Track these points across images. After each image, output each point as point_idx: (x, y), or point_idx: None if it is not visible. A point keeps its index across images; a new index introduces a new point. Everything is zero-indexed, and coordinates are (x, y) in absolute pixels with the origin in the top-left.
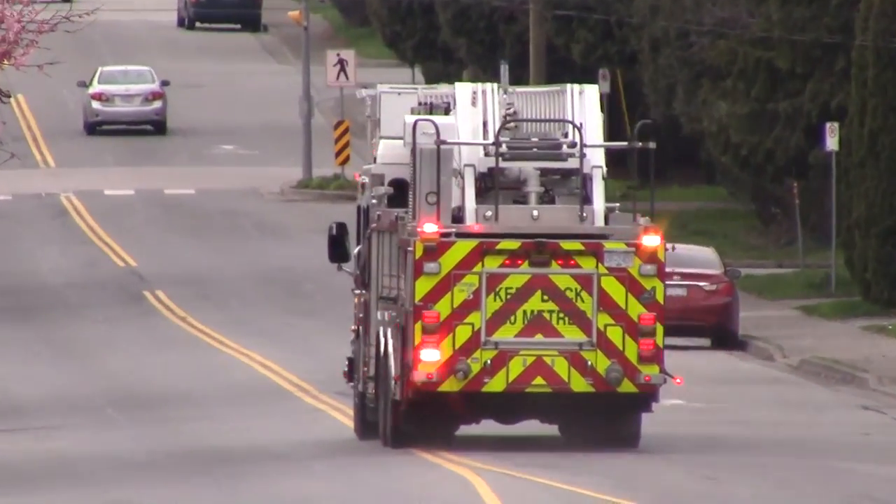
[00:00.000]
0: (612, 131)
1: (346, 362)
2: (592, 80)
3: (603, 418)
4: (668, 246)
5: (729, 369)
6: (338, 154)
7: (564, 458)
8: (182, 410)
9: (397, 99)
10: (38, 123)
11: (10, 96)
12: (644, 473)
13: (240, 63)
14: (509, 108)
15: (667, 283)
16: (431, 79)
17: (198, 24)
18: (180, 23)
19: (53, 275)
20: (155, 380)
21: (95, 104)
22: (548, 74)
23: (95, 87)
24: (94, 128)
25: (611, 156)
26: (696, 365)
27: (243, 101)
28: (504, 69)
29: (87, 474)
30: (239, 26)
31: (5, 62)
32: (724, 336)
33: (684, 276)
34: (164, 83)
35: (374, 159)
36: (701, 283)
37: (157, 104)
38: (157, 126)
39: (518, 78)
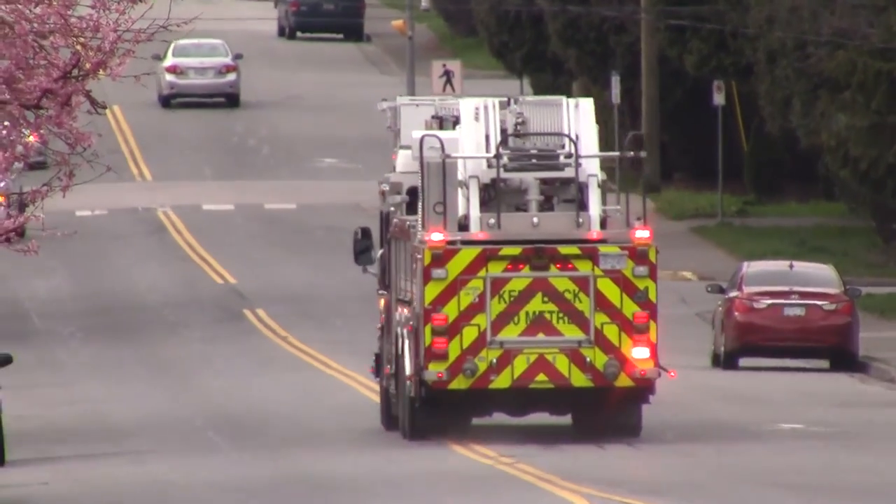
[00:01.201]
0: (727, 144)
1: (374, 358)
2: (707, 92)
3: (604, 411)
4: (787, 264)
5: (849, 392)
6: None
7: (663, 476)
8: (284, 434)
9: (415, 110)
10: (134, 136)
11: (105, 107)
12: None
13: (341, 74)
14: (519, 118)
15: (784, 302)
16: (540, 91)
17: (298, 34)
18: (280, 32)
19: (151, 293)
20: (255, 402)
21: (170, 77)
22: (660, 86)
23: (170, 61)
24: (169, 101)
25: (728, 172)
26: (815, 387)
27: (345, 113)
28: (615, 81)
29: (186, 501)
30: (341, 36)
31: (101, 72)
32: (844, 358)
33: (802, 295)
34: (238, 56)
35: (394, 168)
36: (819, 303)
37: (231, 77)
38: (230, 99)
39: (629, 89)
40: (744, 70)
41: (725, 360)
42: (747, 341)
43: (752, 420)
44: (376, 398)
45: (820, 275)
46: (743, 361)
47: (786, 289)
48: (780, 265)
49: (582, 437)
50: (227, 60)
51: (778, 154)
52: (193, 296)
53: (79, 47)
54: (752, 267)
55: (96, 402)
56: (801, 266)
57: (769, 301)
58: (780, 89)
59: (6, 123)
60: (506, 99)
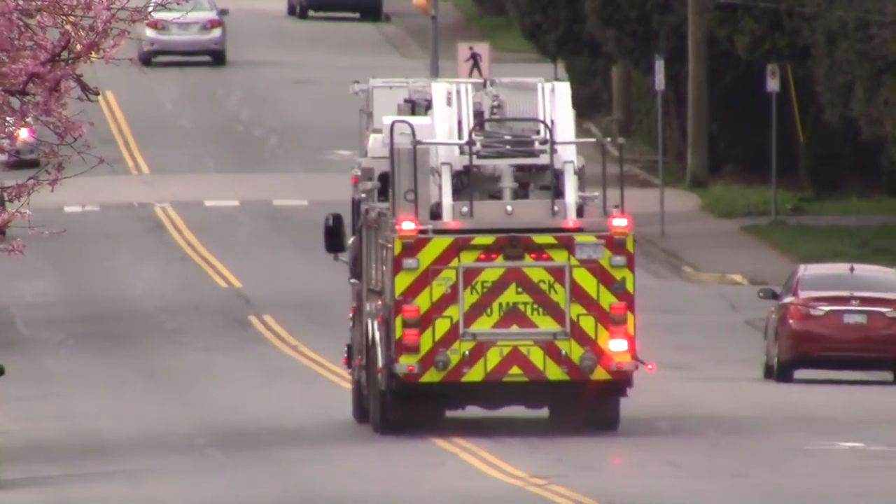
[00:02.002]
0: (781, 134)
1: (346, 349)
2: (760, 78)
3: (581, 404)
4: (847, 267)
5: None
6: None
7: None
8: (293, 451)
9: (389, 93)
10: (129, 125)
11: (98, 93)
12: None
13: (358, 57)
14: (495, 101)
15: (844, 309)
16: (576, 75)
17: (311, 13)
18: (291, 11)
19: (147, 297)
20: (262, 416)
21: (150, 33)
22: (709, 71)
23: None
24: (149, 58)
25: (782, 165)
26: (877, 402)
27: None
28: (659, 65)
29: None
30: (357, 15)
31: (93, 55)
32: None
33: (864, 301)
34: (223, 12)
35: (366, 153)
36: (883, 310)
37: (216, 33)
38: (215, 56)
39: (674, 75)
40: (800, 53)
41: (779, 372)
42: (803, 351)
43: (807, 438)
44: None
45: (883, 279)
46: (798, 373)
47: (846, 294)
48: (840, 268)
49: (615, 454)
50: (212, 15)
51: (837, 145)
52: (194, 300)
53: (69, 27)
54: (808, 270)
55: (88, 416)
56: (863, 269)
57: (827, 308)
58: (841, 74)
59: None
60: (482, 81)
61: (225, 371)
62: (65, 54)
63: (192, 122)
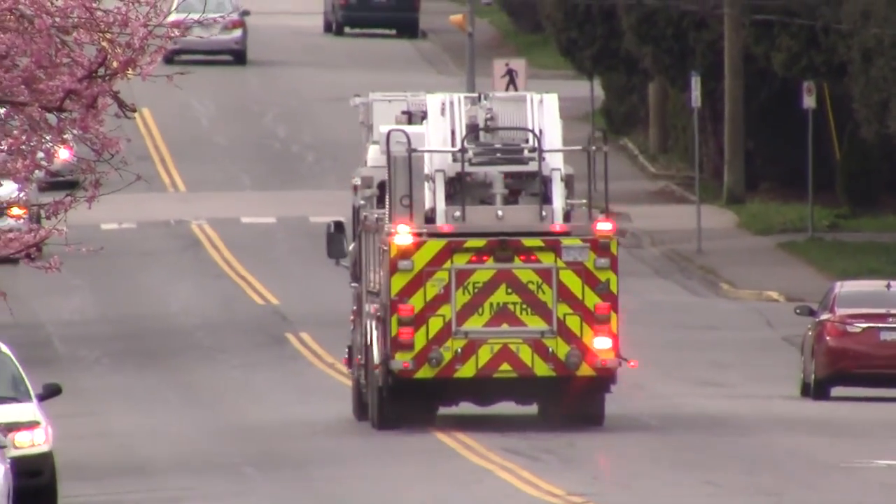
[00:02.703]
0: (818, 151)
1: (347, 350)
2: (796, 94)
3: (567, 399)
4: (884, 283)
5: None
6: None
7: None
8: (329, 470)
9: (388, 106)
10: (165, 141)
11: (135, 110)
12: None
13: (394, 73)
14: (488, 114)
15: (881, 326)
16: (612, 92)
17: (347, 30)
18: (327, 28)
19: (184, 314)
20: (299, 434)
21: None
22: (745, 88)
23: (173, 15)
24: (172, 57)
25: (819, 182)
26: None
27: None
28: (695, 82)
29: None
30: (394, 32)
31: (129, 72)
32: None
33: None
34: (245, 13)
35: (365, 163)
36: None
37: (237, 33)
38: (236, 56)
39: (711, 91)
40: (837, 70)
41: (816, 390)
42: (840, 368)
43: (844, 455)
44: (433, 430)
45: None
46: (835, 391)
47: (883, 311)
48: (877, 285)
49: (648, 469)
50: (234, 16)
51: (874, 162)
52: (231, 318)
53: (105, 44)
54: (845, 287)
55: (125, 434)
56: None
57: (864, 324)
58: (877, 91)
59: (26, 128)
60: (476, 95)
61: (262, 388)
62: (101, 71)
63: (228, 138)
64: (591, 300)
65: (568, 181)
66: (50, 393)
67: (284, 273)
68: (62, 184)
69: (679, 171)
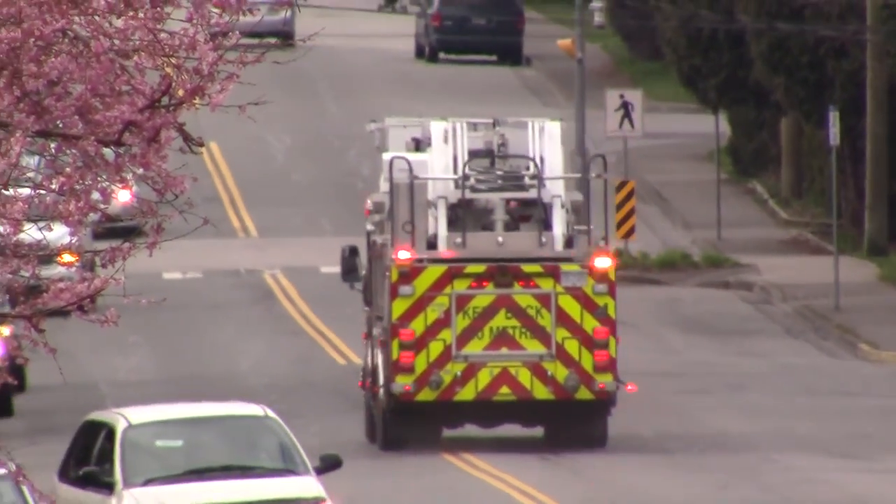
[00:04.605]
0: None
1: (361, 372)
2: None
3: (569, 422)
4: None
5: None
6: (620, 224)
7: None
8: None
9: (402, 131)
10: (235, 180)
11: (203, 145)
12: None
13: (494, 105)
14: (500, 140)
15: None
16: (740, 128)
17: (441, 56)
18: (419, 53)
19: (255, 374)
20: (383, 503)
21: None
22: (890, 124)
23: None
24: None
25: None
26: None
27: None
28: (833, 117)
29: None
30: (494, 58)
31: (197, 101)
32: None
33: None
34: None
35: (379, 187)
36: None
37: (284, 14)
38: (284, 37)
39: (851, 128)
40: None
41: None
42: None
43: None
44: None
45: None
46: None
47: None
48: None
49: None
50: None
51: None
52: (308, 378)
53: (170, 69)
54: None
55: None
56: None
57: None
58: None
59: (79, 164)
60: (490, 121)
61: (344, 457)
62: (165, 100)
63: (306, 177)
64: (590, 324)
65: (576, 207)
66: (329, 465)
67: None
68: (120, 229)
69: (814, 217)
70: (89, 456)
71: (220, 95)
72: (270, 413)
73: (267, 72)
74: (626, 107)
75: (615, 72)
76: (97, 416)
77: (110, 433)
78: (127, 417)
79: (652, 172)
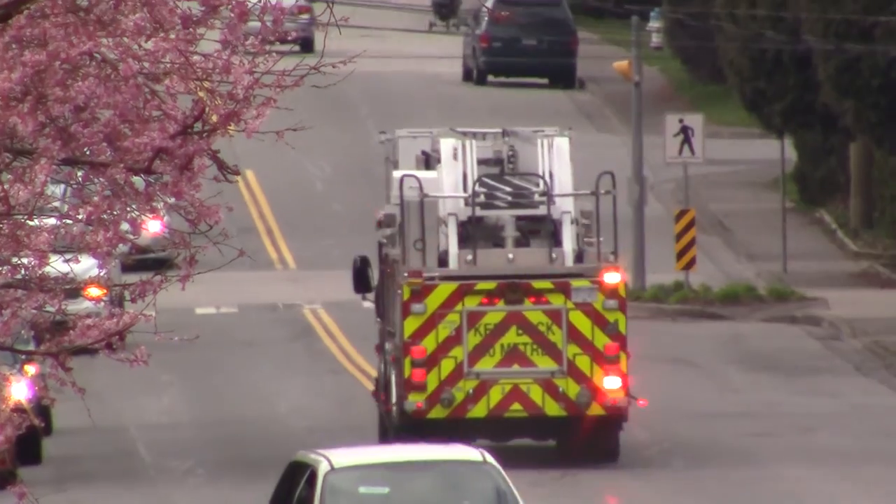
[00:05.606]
0: None
1: (374, 383)
2: None
3: (582, 437)
4: None
5: None
6: (680, 255)
7: None
8: None
9: (413, 142)
10: (272, 210)
11: (238, 173)
12: None
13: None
14: (510, 151)
15: None
16: (806, 154)
17: (490, 78)
18: (467, 76)
19: (294, 415)
20: None
21: None
22: None
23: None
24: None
25: None
26: None
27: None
28: None
29: None
30: (546, 81)
31: (231, 127)
32: None
33: None
34: None
35: (389, 200)
36: None
37: (304, 18)
38: (303, 42)
39: None
40: None
41: None
42: None
43: None
44: None
45: None
46: None
47: None
48: None
49: None
50: (301, 1)
51: None
52: (350, 420)
53: (203, 94)
54: None
55: None
56: None
57: None
58: None
59: (108, 193)
60: (500, 131)
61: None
62: (198, 126)
63: (347, 206)
64: (601, 340)
65: (590, 220)
66: None
67: None
68: (151, 261)
69: (886, 249)
70: (291, 502)
71: (256, 121)
72: (489, 458)
73: (306, 96)
74: (685, 132)
75: (674, 95)
76: (302, 456)
77: (312, 477)
78: (330, 460)
79: (713, 201)
